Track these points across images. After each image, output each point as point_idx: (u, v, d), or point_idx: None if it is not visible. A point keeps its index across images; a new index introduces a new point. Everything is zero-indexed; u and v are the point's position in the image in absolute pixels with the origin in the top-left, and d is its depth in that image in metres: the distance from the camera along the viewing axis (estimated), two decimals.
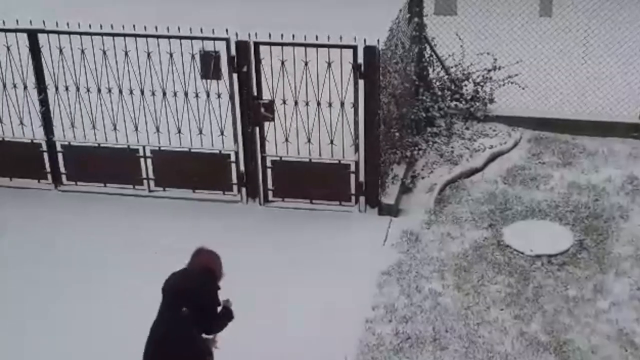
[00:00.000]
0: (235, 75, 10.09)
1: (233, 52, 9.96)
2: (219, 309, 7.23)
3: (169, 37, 10.01)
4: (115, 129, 10.62)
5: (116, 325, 8.66)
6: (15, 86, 10.65)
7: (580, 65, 12.69)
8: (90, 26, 10.22)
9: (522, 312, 8.88)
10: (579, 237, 9.96)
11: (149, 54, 10.05)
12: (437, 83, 12.18)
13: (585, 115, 12.08)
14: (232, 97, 10.19)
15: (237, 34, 9.96)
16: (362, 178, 10.38)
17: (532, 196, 10.69)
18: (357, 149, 10.27)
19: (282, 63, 9.86)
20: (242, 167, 10.59)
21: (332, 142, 10.24)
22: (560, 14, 14.37)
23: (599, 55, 13.12)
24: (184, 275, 7.17)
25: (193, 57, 10.03)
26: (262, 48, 9.94)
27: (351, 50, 9.68)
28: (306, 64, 9.82)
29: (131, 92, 10.40)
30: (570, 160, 11.43)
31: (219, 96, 10.19)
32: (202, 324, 7.06)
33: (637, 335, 8.57)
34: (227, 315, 7.24)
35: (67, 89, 10.48)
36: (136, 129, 10.58)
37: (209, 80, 10.16)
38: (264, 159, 10.49)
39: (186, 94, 10.28)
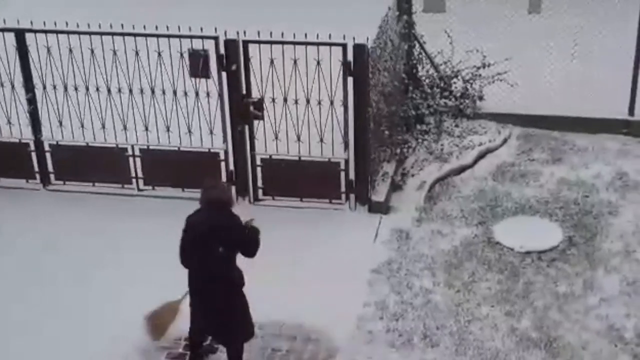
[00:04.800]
0: (224, 74, 10.07)
1: (222, 50, 9.94)
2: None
3: (158, 36, 9.98)
4: (103, 127, 10.58)
5: (109, 324, 8.64)
6: (2, 85, 10.60)
7: (569, 62, 12.69)
8: (77, 25, 10.17)
9: (512, 309, 8.88)
10: (568, 233, 9.97)
11: (137, 53, 10.02)
12: (427, 80, 12.17)
13: (575, 111, 12.08)
14: (221, 96, 10.16)
15: (225, 33, 9.93)
16: (352, 176, 10.37)
17: (521, 193, 10.70)
18: (346, 147, 10.26)
19: (272, 61, 9.83)
20: (231, 166, 10.57)
21: (321, 140, 10.22)
22: (550, 11, 14.37)
23: (588, 51, 13.12)
24: (209, 217, 7.59)
25: (182, 55, 10.00)
26: (251, 46, 9.92)
27: (340, 48, 9.67)
28: (295, 62, 9.80)
29: (119, 91, 10.36)
30: (560, 157, 11.43)
31: (208, 95, 10.16)
32: (241, 252, 7.71)
33: (627, 330, 8.59)
34: (253, 234, 7.76)
35: (55, 88, 10.44)
36: (125, 128, 10.55)
37: (197, 79, 10.13)
38: (253, 157, 10.47)
39: (175, 93, 10.25)
